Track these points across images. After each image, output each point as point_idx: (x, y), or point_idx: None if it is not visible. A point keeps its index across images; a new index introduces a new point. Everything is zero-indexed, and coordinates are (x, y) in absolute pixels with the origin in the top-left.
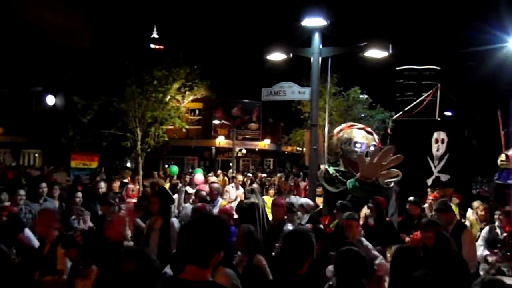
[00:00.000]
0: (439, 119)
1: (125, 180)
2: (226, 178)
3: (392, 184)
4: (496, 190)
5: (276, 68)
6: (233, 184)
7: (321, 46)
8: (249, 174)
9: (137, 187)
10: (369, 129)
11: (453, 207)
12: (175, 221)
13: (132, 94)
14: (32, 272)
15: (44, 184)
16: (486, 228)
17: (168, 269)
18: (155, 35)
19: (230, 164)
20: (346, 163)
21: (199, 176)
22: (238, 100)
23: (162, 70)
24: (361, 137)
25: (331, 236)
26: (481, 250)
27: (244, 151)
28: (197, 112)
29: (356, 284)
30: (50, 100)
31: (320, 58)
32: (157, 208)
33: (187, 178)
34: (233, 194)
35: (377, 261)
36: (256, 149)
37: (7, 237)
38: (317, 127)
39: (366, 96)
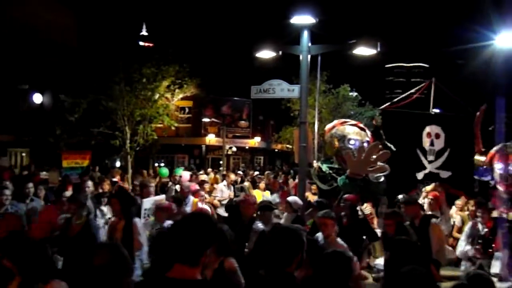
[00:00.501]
0: (432, 112)
1: (115, 179)
2: (217, 176)
3: (382, 179)
4: (481, 186)
5: (266, 66)
6: (225, 182)
7: (310, 44)
8: (240, 172)
9: (127, 185)
10: (362, 125)
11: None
12: (137, 221)
13: (120, 92)
14: None
15: (30, 184)
16: (469, 224)
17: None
18: (144, 32)
19: (221, 162)
20: (340, 160)
21: (185, 174)
22: (228, 98)
23: (151, 67)
24: (355, 133)
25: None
26: (462, 246)
27: (234, 149)
28: (186, 110)
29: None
30: (37, 98)
31: (309, 56)
32: (118, 209)
33: (177, 176)
34: (226, 193)
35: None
36: (246, 147)
37: None
38: (306, 124)
39: (355, 93)
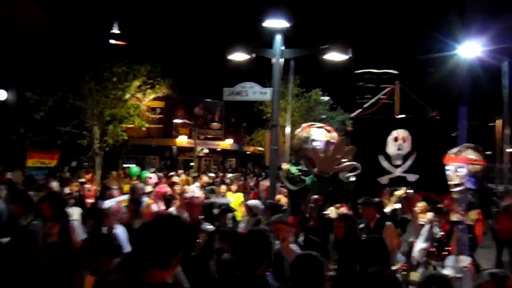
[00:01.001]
0: (398, 117)
1: (82, 180)
2: (188, 178)
3: (352, 178)
4: None
5: (239, 68)
6: (197, 184)
7: (283, 48)
8: (211, 174)
9: (95, 187)
10: (329, 128)
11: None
12: (75, 223)
13: (89, 91)
14: None
15: None
16: (426, 227)
17: None
18: (115, 30)
19: (192, 163)
20: (306, 161)
21: (151, 177)
22: (200, 99)
23: (122, 66)
24: (320, 135)
25: None
26: (418, 249)
27: (206, 150)
28: (158, 110)
29: None
30: (1, 94)
31: (282, 60)
32: (50, 213)
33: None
34: (198, 195)
35: None
36: (218, 149)
37: None
38: (278, 127)
39: (327, 98)
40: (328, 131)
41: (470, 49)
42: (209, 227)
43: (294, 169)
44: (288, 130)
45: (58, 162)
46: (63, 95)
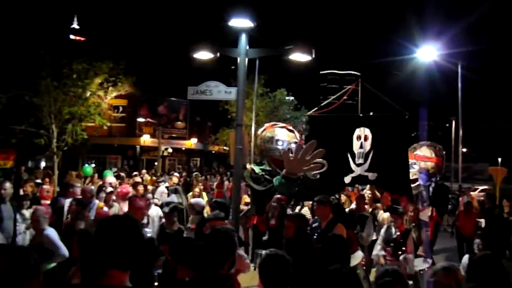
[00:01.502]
0: (361, 115)
1: (38, 181)
2: (153, 178)
3: (317, 176)
4: None
5: (204, 67)
6: (166, 184)
7: (248, 47)
8: (176, 174)
9: (53, 188)
10: (291, 128)
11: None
12: (49, 232)
13: (47, 88)
14: None
15: None
16: (384, 227)
17: None
18: (75, 25)
19: (156, 163)
20: (270, 161)
21: (110, 178)
22: (164, 98)
23: (82, 63)
24: (283, 135)
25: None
26: (377, 250)
27: (170, 150)
28: (120, 109)
29: None
30: None
31: (247, 59)
32: None
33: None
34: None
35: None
36: (183, 148)
37: None
38: (243, 127)
39: (292, 97)
40: (290, 130)
41: (428, 52)
42: (147, 230)
43: (258, 169)
44: (253, 129)
45: (14, 163)
46: (18, 92)
